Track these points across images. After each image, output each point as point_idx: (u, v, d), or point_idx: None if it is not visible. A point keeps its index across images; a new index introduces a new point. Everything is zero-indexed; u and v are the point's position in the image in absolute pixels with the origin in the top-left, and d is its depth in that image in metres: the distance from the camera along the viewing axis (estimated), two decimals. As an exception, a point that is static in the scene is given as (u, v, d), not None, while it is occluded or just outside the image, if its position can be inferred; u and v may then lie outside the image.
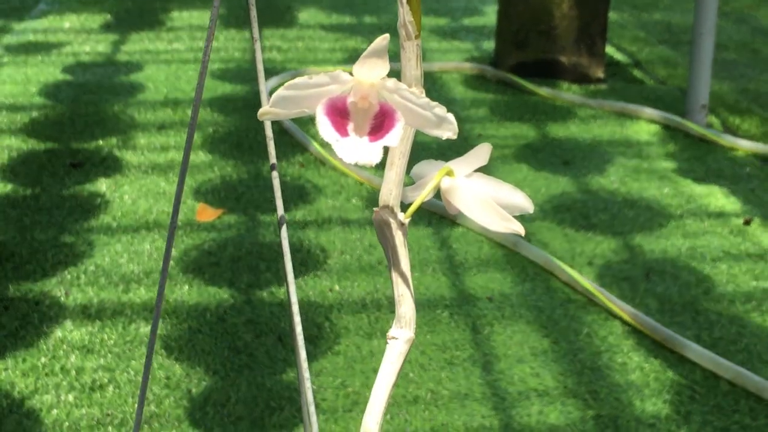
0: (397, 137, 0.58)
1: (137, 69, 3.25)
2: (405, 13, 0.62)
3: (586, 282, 1.91)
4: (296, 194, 2.33)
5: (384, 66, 0.58)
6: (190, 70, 3.24)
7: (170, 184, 2.36)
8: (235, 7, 4.11)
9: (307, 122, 2.73)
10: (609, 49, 3.43)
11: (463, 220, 2.17)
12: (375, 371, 1.66)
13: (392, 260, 0.62)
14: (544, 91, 3.05)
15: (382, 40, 0.58)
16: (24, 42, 3.53)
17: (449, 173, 0.65)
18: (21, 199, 2.27)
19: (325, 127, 0.58)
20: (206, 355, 1.70)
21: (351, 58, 3.41)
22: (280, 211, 0.69)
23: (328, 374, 1.65)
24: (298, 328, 0.70)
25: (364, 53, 0.58)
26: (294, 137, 2.64)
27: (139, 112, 2.83)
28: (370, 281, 1.95)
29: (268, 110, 0.60)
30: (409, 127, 0.62)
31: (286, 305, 1.85)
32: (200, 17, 3.95)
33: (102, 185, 2.35)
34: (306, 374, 0.71)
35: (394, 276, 0.63)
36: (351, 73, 0.59)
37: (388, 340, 0.64)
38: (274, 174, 0.70)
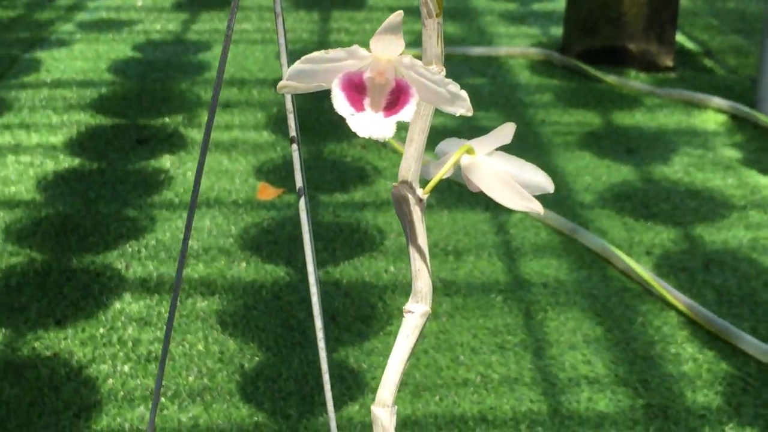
0: (411, 113, 0.59)
1: (206, 48, 3.29)
2: None
3: (643, 271, 1.90)
4: (356, 175, 2.35)
5: (399, 42, 0.59)
6: (257, 51, 3.27)
7: (233, 163, 2.39)
8: (304, -11, 4.13)
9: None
10: (679, 38, 3.38)
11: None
12: (424, 353, 1.68)
13: (410, 235, 0.63)
14: (610, 78, 3.02)
15: (397, 16, 0.58)
16: (96, 19, 3.59)
17: (469, 151, 0.65)
18: (87, 173, 2.31)
19: (340, 101, 0.59)
20: (260, 331, 1.73)
21: (418, 40, 3.40)
22: (299, 183, 0.70)
23: (379, 354, 1.67)
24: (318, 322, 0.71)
25: (379, 29, 0.58)
26: (357, 119, 2.65)
27: (206, 91, 2.87)
28: (425, 264, 1.95)
29: (285, 83, 0.61)
30: (427, 104, 0.62)
31: (340, 285, 1.87)
32: (270, -2, 3.98)
33: (166, 162, 2.39)
34: (324, 367, 0.72)
35: (412, 251, 0.64)
36: (368, 50, 0.60)
37: (404, 314, 0.65)
38: (294, 147, 0.71)
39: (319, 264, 1.94)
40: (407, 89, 0.59)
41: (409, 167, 0.64)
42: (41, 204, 2.15)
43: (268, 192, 2.25)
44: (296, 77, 0.60)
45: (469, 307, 1.81)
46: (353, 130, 0.58)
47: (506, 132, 0.64)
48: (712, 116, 2.76)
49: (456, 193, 2.25)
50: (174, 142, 2.51)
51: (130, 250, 1.97)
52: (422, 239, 0.63)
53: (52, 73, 2.97)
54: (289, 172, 2.35)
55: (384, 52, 0.59)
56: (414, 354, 1.66)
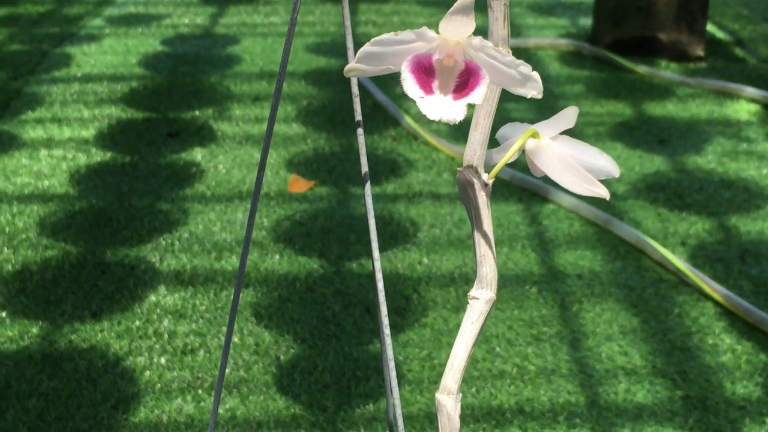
0: (482, 95, 0.58)
1: (234, 41, 3.29)
2: None
3: (679, 262, 1.88)
4: (387, 168, 2.34)
5: (470, 24, 0.58)
6: (286, 44, 3.27)
7: (264, 155, 2.39)
8: (331, -18, 4.13)
9: (399, 97, 2.73)
10: (710, 27, 3.35)
11: (553, 197, 2.16)
12: (461, 344, 1.67)
13: (475, 221, 0.62)
14: (641, 68, 3.00)
15: None
16: (125, 14, 3.60)
17: (534, 135, 0.64)
18: (120, 166, 2.32)
19: (410, 84, 0.58)
20: (295, 323, 1.73)
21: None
22: (365, 168, 0.70)
23: (415, 346, 1.66)
24: (381, 296, 0.71)
25: (450, 10, 0.58)
26: (387, 111, 2.65)
27: (235, 84, 2.87)
28: (458, 255, 1.95)
29: (354, 66, 0.60)
30: (494, 87, 0.62)
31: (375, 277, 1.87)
32: (297, -9, 3.97)
33: (197, 155, 2.39)
34: (389, 352, 0.72)
35: (477, 236, 0.63)
36: (437, 31, 0.59)
37: (468, 300, 0.64)
38: (360, 131, 0.70)
39: (353, 256, 1.94)
40: (477, 71, 0.58)
41: (474, 152, 0.63)
42: (75, 197, 2.16)
43: (299, 184, 2.24)
44: (365, 60, 0.60)
45: (504, 299, 1.80)
46: (423, 112, 0.57)
47: (569, 116, 0.63)
48: (744, 106, 2.74)
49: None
50: (204, 135, 2.51)
51: (163, 243, 1.98)
52: (487, 225, 0.62)
53: (83, 67, 2.99)
54: (320, 164, 2.35)
55: (453, 33, 0.58)
56: (450, 346, 1.66)
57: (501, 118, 2.62)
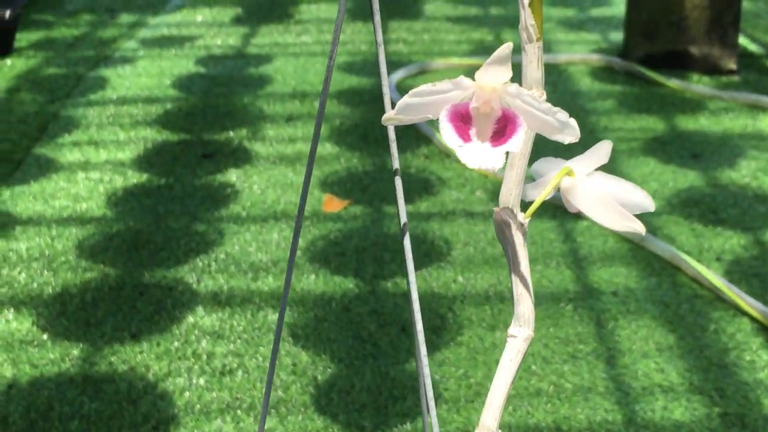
0: (520, 142, 0.58)
1: (266, 61, 3.32)
2: (527, 17, 0.62)
3: (714, 277, 1.88)
4: (420, 186, 2.35)
5: (507, 72, 0.58)
6: (318, 63, 3.30)
7: (298, 175, 2.41)
8: (361, 0, 4.16)
9: (432, 114, 2.74)
10: (742, 40, 3.35)
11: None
12: (497, 363, 1.68)
13: (512, 260, 0.63)
14: (673, 82, 3.00)
15: (506, 48, 0.57)
16: (158, 36, 3.64)
17: (569, 173, 0.65)
18: (156, 188, 2.35)
19: (448, 133, 0.58)
20: (331, 343, 1.74)
21: (477, 50, 3.41)
22: (403, 218, 0.71)
23: (450, 365, 1.67)
24: (419, 325, 0.72)
25: (488, 60, 0.58)
26: (419, 130, 2.66)
27: (268, 104, 2.89)
28: (493, 273, 1.95)
29: (392, 117, 0.60)
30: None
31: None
32: (328, 10, 4.00)
33: (232, 175, 2.42)
34: (426, 367, 0.73)
35: (514, 276, 0.64)
36: (473, 79, 0.60)
37: (507, 338, 0.65)
38: (398, 180, 0.72)
39: (388, 275, 1.95)
40: (514, 118, 0.59)
41: (510, 192, 0.64)
42: (112, 220, 2.19)
43: (333, 204, 2.26)
44: (404, 111, 0.60)
45: (539, 317, 1.81)
46: (462, 161, 0.58)
47: (604, 151, 0.64)
48: (778, 119, 2.73)
49: (522, 202, 2.24)
50: (239, 156, 2.53)
51: (200, 264, 2.00)
52: (524, 264, 0.63)
53: (118, 90, 3.02)
54: (354, 183, 2.36)
55: (490, 81, 0.59)
56: (485, 364, 1.67)
57: (538, 136, 2.63)
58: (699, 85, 3.00)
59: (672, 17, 3.09)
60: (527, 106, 0.59)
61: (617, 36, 3.50)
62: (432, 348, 1.72)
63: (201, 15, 3.93)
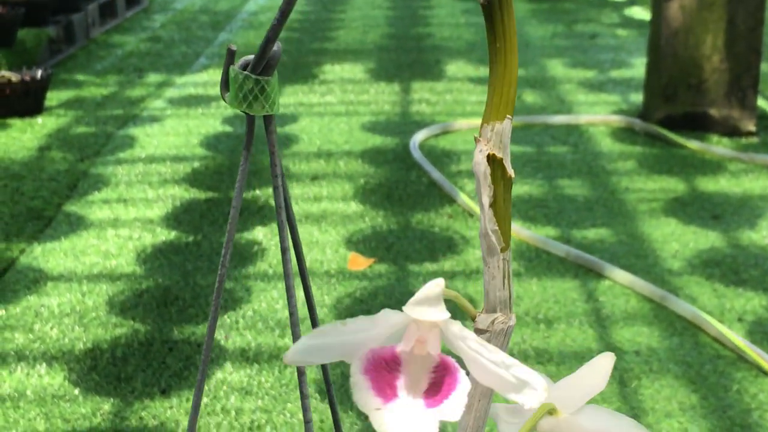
0: (459, 409, 0.43)
1: (292, 120, 3.38)
2: (487, 221, 0.48)
3: (736, 338, 1.90)
4: (444, 245, 2.39)
5: (440, 313, 0.45)
6: (342, 123, 3.35)
7: (323, 234, 2.45)
8: (384, 60, 4.23)
9: (455, 174, 2.79)
10: (761, 102, 3.39)
11: (609, 273, 2.19)
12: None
13: None
14: (693, 144, 3.03)
15: (435, 286, 0.45)
16: (185, 95, 3.71)
17: (552, 411, 0.51)
18: (184, 245, 2.39)
19: (361, 391, 0.43)
20: (358, 400, 1.76)
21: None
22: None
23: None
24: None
25: (413, 299, 0.45)
26: (442, 189, 2.70)
27: (294, 163, 2.95)
28: (517, 332, 1.98)
29: (292, 359, 0.46)
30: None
31: (434, 354, 1.90)
32: (351, 71, 4.07)
33: (259, 233, 2.46)
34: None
35: None
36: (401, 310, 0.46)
37: None
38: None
39: (413, 333, 1.98)
40: (454, 372, 0.43)
41: None
42: (141, 276, 2.23)
43: (358, 262, 2.30)
44: (306, 353, 0.45)
45: (562, 376, 1.82)
46: (377, 429, 0.42)
47: (601, 372, 0.51)
48: (798, 181, 2.76)
49: (545, 261, 2.28)
50: (265, 215, 2.58)
51: (228, 321, 2.03)
52: None
53: (146, 148, 3.08)
54: (379, 241, 2.40)
55: (425, 315, 0.44)
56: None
57: (555, 195, 2.68)
58: (719, 146, 3.03)
59: (691, 80, 3.13)
60: (475, 354, 0.45)
61: (637, 97, 3.55)
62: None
63: (227, 75, 4.00)
